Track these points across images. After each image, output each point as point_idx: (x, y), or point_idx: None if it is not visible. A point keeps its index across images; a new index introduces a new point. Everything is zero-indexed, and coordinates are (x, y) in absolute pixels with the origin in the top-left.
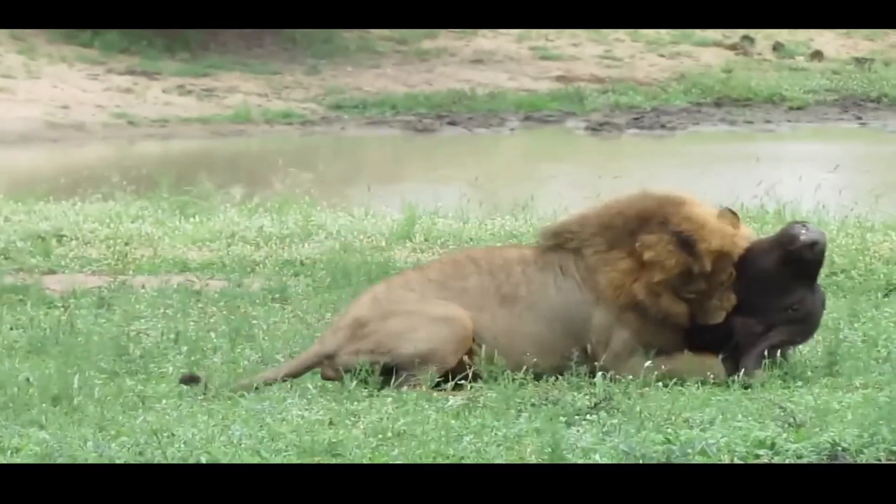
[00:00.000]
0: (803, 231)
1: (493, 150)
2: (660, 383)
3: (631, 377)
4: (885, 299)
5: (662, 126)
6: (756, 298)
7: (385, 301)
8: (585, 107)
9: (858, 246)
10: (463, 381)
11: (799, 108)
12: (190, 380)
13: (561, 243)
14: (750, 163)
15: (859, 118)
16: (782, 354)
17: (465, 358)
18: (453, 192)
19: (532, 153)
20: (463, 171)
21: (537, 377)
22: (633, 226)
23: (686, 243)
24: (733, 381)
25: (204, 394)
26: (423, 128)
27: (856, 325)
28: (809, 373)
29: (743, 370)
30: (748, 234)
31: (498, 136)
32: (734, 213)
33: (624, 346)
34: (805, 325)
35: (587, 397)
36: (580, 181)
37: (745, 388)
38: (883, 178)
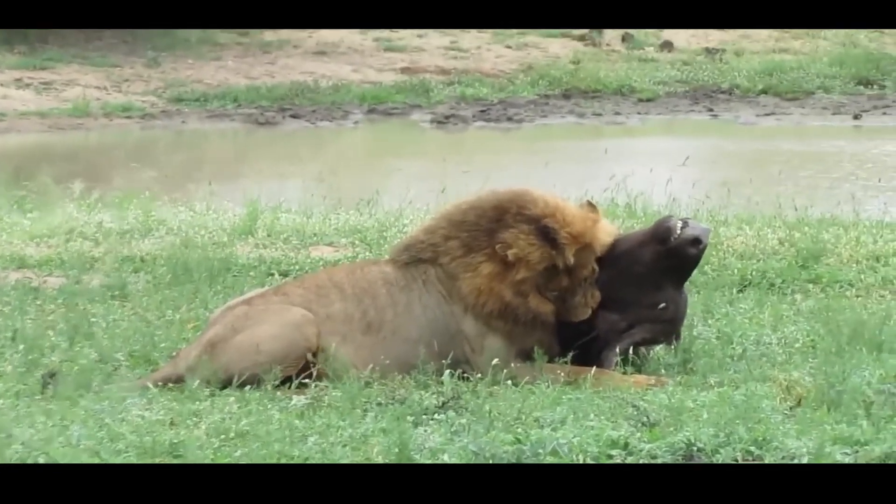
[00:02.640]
0: (684, 226)
1: (337, 143)
2: (509, 381)
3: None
4: (740, 295)
5: (510, 118)
6: (624, 294)
7: (239, 320)
8: (431, 99)
9: (711, 240)
10: (307, 381)
11: (649, 100)
12: (51, 376)
13: (415, 255)
14: (599, 155)
15: (710, 110)
16: (635, 352)
17: (310, 356)
18: (296, 187)
19: (377, 146)
20: (306, 165)
21: (384, 376)
22: (488, 222)
23: (546, 233)
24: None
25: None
26: (266, 121)
27: (710, 321)
28: (663, 370)
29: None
30: (610, 228)
31: (342, 129)
32: (594, 206)
33: (498, 353)
34: (671, 325)
35: (435, 396)
36: (426, 175)
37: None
38: (735, 171)
